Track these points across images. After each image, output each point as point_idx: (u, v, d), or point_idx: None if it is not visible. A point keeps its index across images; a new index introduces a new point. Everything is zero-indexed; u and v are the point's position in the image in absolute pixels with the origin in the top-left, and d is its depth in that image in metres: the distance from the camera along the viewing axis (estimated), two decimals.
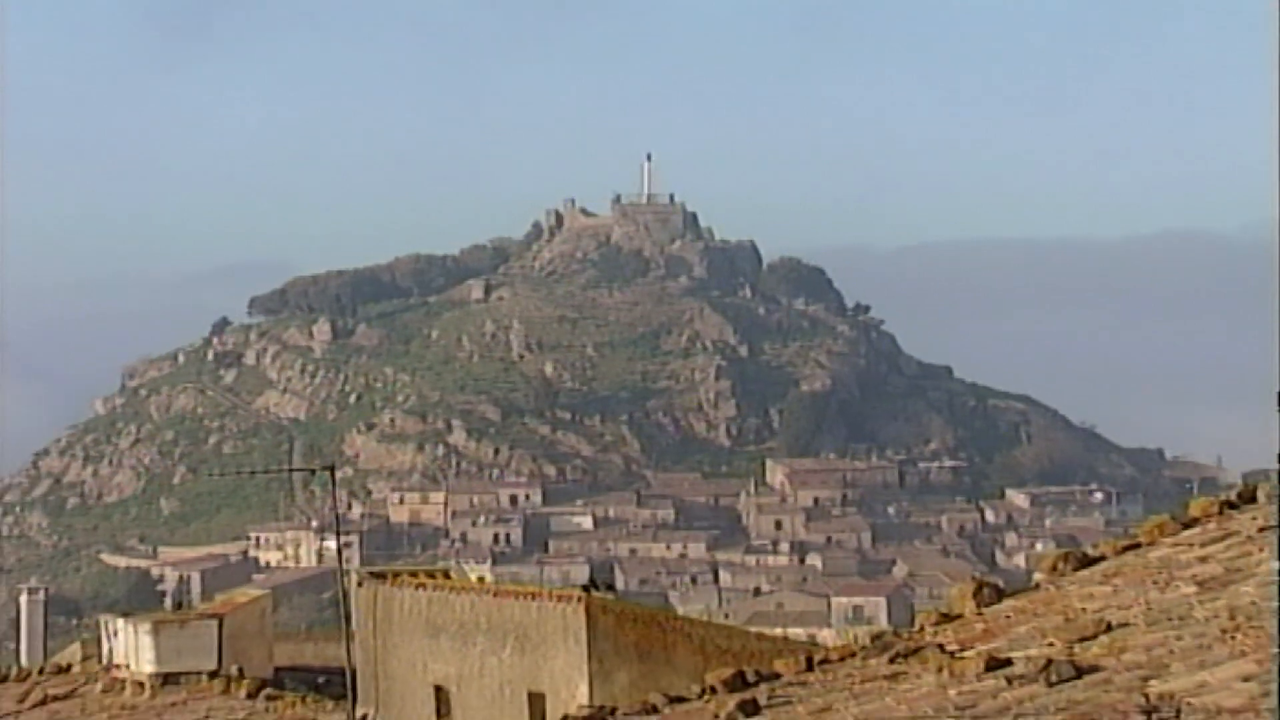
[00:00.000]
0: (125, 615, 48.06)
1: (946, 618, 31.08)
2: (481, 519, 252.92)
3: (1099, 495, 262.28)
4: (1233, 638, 26.90)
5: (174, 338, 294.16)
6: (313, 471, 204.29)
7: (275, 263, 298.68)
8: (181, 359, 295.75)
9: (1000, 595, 31.49)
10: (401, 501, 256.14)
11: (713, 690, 29.44)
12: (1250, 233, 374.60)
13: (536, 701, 33.29)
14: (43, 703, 42.11)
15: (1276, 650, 19.47)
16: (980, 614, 30.42)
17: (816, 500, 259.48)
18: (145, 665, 41.52)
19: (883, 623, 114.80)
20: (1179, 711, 23.96)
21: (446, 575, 44.96)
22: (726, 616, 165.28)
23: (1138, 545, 31.22)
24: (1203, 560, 29.45)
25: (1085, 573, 30.85)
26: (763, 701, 28.66)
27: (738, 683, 29.49)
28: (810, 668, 30.12)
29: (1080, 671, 26.80)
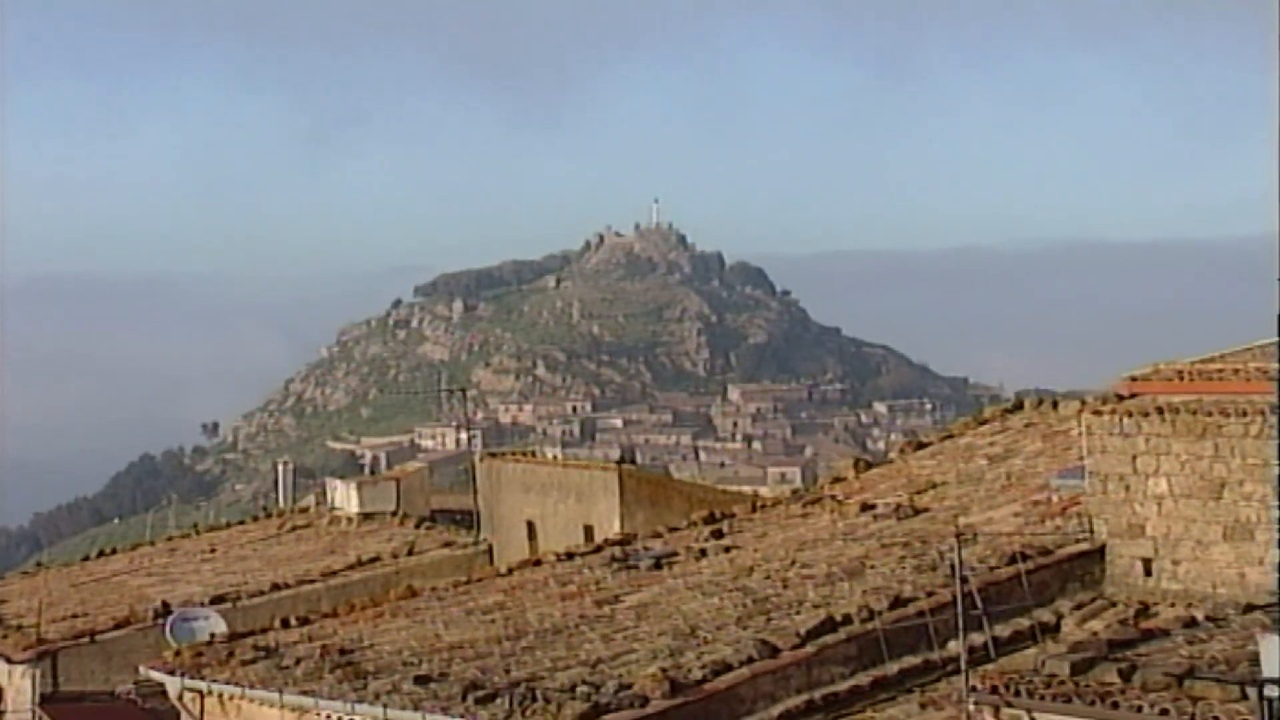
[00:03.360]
0: (341, 478, 48.23)
1: (837, 480, 31.21)
2: (554, 420, 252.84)
3: (929, 405, 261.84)
4: (1007, 490, 27.01)
5: (368, 310, 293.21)
6: (452, 392, 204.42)
7: (429, 265, 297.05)
8: (373, 323, 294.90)
9: (869, 466, 31.61)
10: (506, 410, 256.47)
11: (695, 523, 29.55)
12: (1016, 246, 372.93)
13: (588, 531, 33.38)
14: (291, 529, 42.31)
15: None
16: (857, 478, 30.53)
17: (758, 409, 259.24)
18: (352, 508, 41.66)
19: (798, 484, 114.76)
20: (975, 535, 24.03)
21: (533, 455, 45.04)
22: (703, 480, 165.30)
23: (951, 435, 31.34)
24: (991, 444, 29.57)
25: (920, 452, 30.97)
26: (725, 530, 28.75)
27: (710, 519, 29.61)
28: (754, 510, 30.24)
29: (917, 511, 26.89)
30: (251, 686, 25.31)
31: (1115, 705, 16.05)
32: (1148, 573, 22.30)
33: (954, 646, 20.04)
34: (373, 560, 36.22)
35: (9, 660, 34.66)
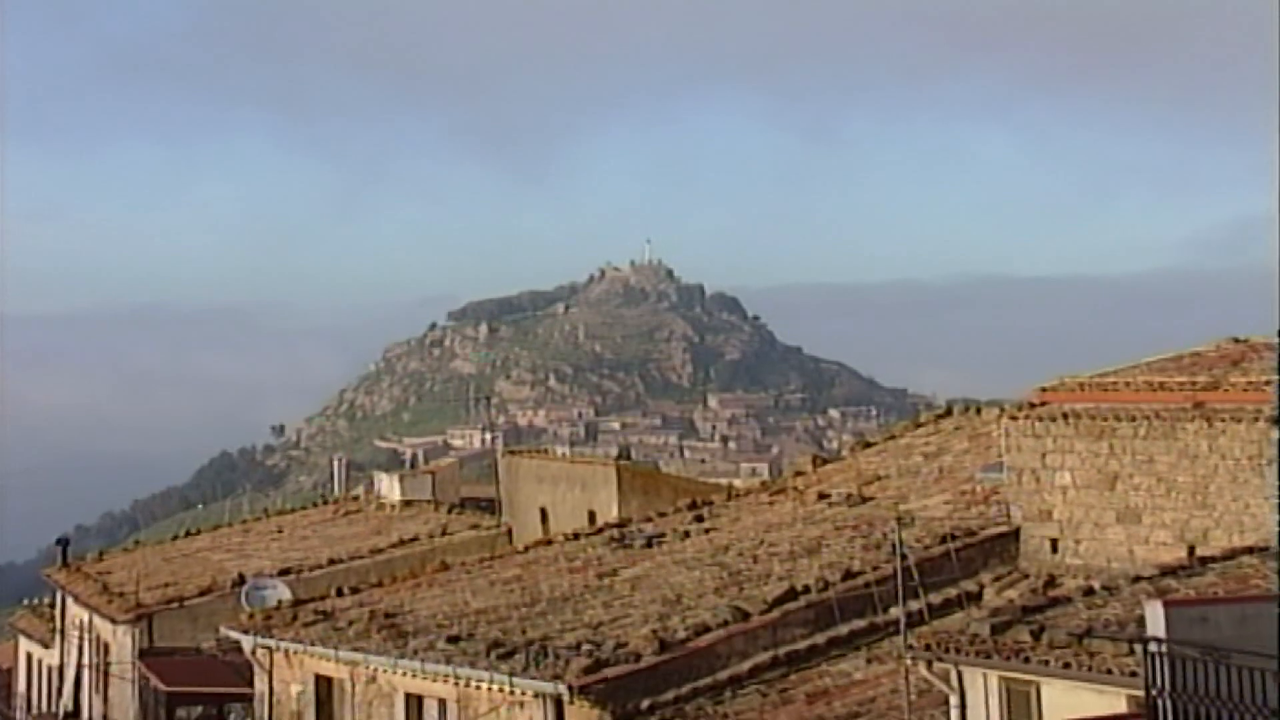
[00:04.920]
0: (385, 472, 48.17)
1: (798, 473, 31.10)
2: (563, 424, 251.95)
3: (875, 412, 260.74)
4: (939, 482, 26.97)
5: (409, 332, 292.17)
6: (478, 400, 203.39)
7: (459, 294, 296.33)
8: (412, 343, 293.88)
9: (825, 462, 31.52)
10: (523, 415, 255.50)
11: (680, 509, 29.47)
12: (943, 280, 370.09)
13: (591, 516, 33.25)
14: (345, 514, 41.97)
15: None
16: (815, 471, 30.47)
17: (733, 415, 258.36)
18: (395, 496, 41.43)
19: (766, 476, 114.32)
20: (913, 519, 24.02)
21: (546, 452, 44.99)
22: (687, 473, 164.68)
23: (894, 436, 31.24)
24: (926, 444, 29.50)
25: (867, 450, 30.87)
26: (705, 515, 28.69)
27: (693, 506, 29.52)
28: (729, 498, 30.17)
29: (865, 499, 26.84)
30: (312, 644, 25.28)
31: (1027, 660, 16.06)
32: (1054, 550, 22.32)
33: (895, 612, 20.04)
34: (412, 540, 36.16)
35: (113, 621, 34.65)
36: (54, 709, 39.87)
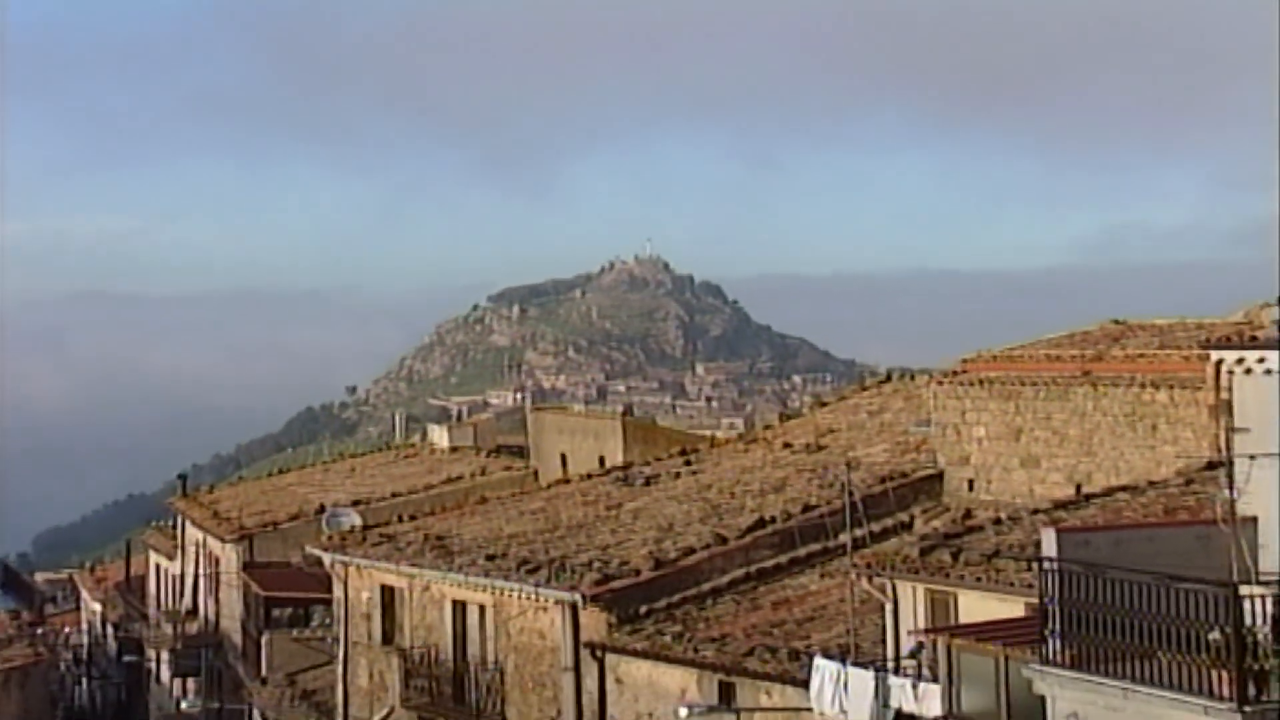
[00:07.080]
0: (437, 424, 48.09)
1: (767, 427, 31.10)
2: (580, 386, 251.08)
3: (829, 378, 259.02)
4: (880, 434, 26.86)
5: (456, 311, 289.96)
6: (511, 366, 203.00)
7: (496, 281, 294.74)
8: (459, 320, 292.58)
9: (790, 418, 31.51)
10: (547, 379, 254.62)
11: (672, 455, 29.45)
12: (881, 272, 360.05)
13: (601, 460, 33.13)
14: (404, 457, 41.93)
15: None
16: (781, 426, 30.44)
17: (715, 380, 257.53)
18: (444, 444, 41.25)
19: (741, 430, 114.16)
20: (859, 463, 24.02)
21: (565, 409, 44.89)
22: (678, 426, 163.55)
23: (844, 398, 31.09)
24: (870, 403, 29.44)
25: (823, 409, 30.76)
26: (692, 460, 28.67)
27: (683, 453, 29.50)
28: (712, 447, 30.14)
29: (820, 448, 26.82)
30: (378, 560, 25.41)
31: (947, 575, 16.15)
32: (970, 489, 22.38)
33: (843, 537, 20.12)
34: (458, 478, 36.23)
35: (222, 540, 34.87)
36: (177, 607, 40.13)
